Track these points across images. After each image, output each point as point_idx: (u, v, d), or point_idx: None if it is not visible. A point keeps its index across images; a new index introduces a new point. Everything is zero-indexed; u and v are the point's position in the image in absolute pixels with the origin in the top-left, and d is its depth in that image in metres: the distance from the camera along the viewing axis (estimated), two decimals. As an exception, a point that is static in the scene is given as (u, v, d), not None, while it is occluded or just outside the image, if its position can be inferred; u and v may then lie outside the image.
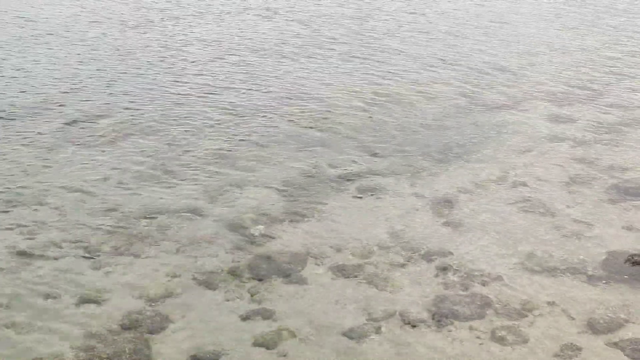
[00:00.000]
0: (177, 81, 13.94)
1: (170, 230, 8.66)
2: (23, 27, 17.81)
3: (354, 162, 10.62)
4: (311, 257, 8.22)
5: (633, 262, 8.12)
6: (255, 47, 16.54)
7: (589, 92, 13.81)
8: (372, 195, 9.68)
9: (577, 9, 21.11)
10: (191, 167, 10.31)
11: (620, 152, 11.08)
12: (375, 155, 10.86)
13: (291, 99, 13.14)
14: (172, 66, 14.92)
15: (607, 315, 7.24)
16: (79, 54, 15.60)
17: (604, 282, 7.80)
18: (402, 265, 8.08)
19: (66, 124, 11.68)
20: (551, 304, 7.40)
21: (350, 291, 7.62)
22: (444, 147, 11.13)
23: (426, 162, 10.63)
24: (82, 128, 11.55)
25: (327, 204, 9.42)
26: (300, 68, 15.01)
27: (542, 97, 13.50)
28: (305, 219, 9.04)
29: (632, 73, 15.00)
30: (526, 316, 7.22)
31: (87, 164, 10.31)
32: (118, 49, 16.04)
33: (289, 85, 13.90)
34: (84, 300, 7.31)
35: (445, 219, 9.09)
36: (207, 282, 7.70)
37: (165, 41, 16.83)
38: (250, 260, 8.13)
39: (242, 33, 17.82)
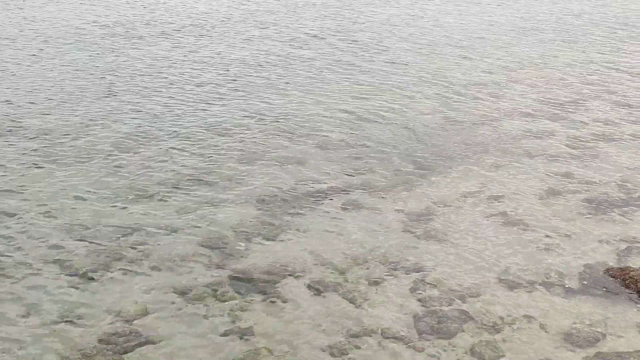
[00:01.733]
0: (150, 100, 13.88)
1: (147, 249, 8.59)
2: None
3: (332, 178, 10.62)
4: (289, 274, 8.19)
5: (610, 275, 8.18)
6: (228, 64, 16.53)
7: (564, 107, 13.95)
8: (349, 211, 9.68)
9: (553, 25, 21.35)
10: (167, 185, 10.25)
11: (595, 166, 11.19)
12: (352, 171, 10.88)
13: (266, 116, 13.13)
14: (144, 85, 14.86)
15: (584, 329, 7.28)
16: (51, 71, 15.49)
17: (580, 295, 7.85)
18: (380, 281, 8.07)
19: (32, 143, 11.54)
20: (528, 318, 7.43)
21: (328, 308, 7.59)
22: (420, 163, 11.17)
23: (403, 178, 10.66)
24: (51, 147, 11.40)
25: (304, 220, 9.41)
26: (274, 85, 15.02)
27: (518, 113, 13.62)
28: (283, 236, 9.02)
29: (607, 89, 15.17)
30: (504, 331, 7.24)
31: (61, 182, 10.21)
32: (98, 67, 15.96)
33: (262, 103, 13.90)
34: (60, 320, 7.22)
35: (423, 234, 9.11)
36: (185, 300, 7.64)
37: (136, 58, 16.78)
38: (228, 277, 8.08)
39: (216, 51, 17.81)
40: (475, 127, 12.79)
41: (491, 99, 14.38)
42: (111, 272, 8.09)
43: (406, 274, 8.21)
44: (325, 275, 8.18)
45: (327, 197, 10.02)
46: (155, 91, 14.36)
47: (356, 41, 18.98)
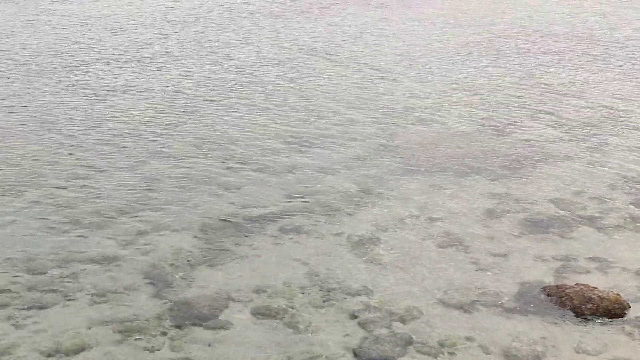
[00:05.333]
0: (89, 127, 13.69)
1: (84, 280, 8.44)
2: None
3: (273, 203, 10.62)
4: (231, 301, 8.15)
5: (547, 294, 8.35)
6: (168, 89, 16.44)
7: (501, 128, 14.24)
8: (291, 236, 9.69)
9: (488, 49, 21.82)
10: (104, 214, 10.09)
11: (532, 186, 11.44)
12: (293, 196, 10.89)
13: (207, 141, 13.08)
14: (84, 111, 14.66)
15: (524, 348, 7.41)
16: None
17: (519, 314, 7.99)
18: (323, 306, 8.09)
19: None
20: (469, 338, 7.53)
21: (272, 335, 7.57)
22: (360, 187, 11.26)
23: (344, 202, 10.72)
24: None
25: (246, 246, 9.38)
26: (215, 110, 14.98)
27: (455, 135, 13.84)
28: (225, 263, 8.98)
29: (542, 109, 15.54)
30: (445, 352, 7.32)
31: (-4, 213, 9.99)
32: (28, 92, 15.69)
33: (204, 127, 13.85)
34: (-6, 357, 7.04)
35: (364, 257, 9.17)
36: (125, 332, 7.52)
37: (75, 86, 16.56)
38: (169, 307, 7.99)
39: (158, 76, 17.70)
40: (413, 150, 12.95)
41: (428, 122, 14.58)
42: (46, 306, 7.92)
43: (348, 298, 8.25)
44: (268, 302, 8.16)
45: (268, 223, 10.01)
46: (91, 118, 14.16)
47: (290, 67, 19.06)
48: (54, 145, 12.68)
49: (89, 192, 10.79)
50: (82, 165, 11.77)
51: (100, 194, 10.76)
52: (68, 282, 8.40)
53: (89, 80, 17.16)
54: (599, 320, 7.87)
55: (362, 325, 7.76)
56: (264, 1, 28.96)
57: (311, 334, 7.62)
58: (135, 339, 7.43)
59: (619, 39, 23.15)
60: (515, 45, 22.45)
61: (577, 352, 7.38)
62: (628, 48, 21.88)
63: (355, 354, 7.27)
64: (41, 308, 7.88)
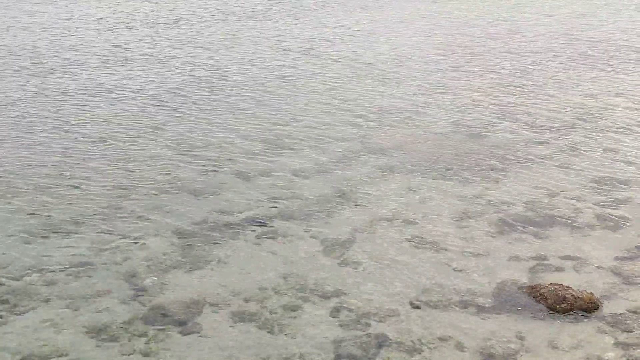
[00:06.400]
0: (63, 130, 13.61)
1: (58, 286, 8.38)
2: None
3: (249, 207, 10.60)
4: (207, 305, 8.12)
5: (521, 292, 8.40)
6: (144, 92, 16.37)
7: (476, 130, 14.32)
8: (267, 240, 9.68)
9: (465, 49, 21.96)
10: (78, 220, 10.02)
11: (506, 187, 11.50)
12: (268, 199, 10.89)
13: (183, 144, 13.04)
14: (58, 115, 14.55)
15: (500, 346, 7.45)
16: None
17: (494, 313, 8.04)
18: (299, 309, 8.09)
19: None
20: (445, 338, 7.56)
21: (247, 338, 7.56)
22: (336, 190, 11.28)
23: (319, 205, 10.73)
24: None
25: (222, 250, 9.36)
26: (188, 114, 14.94)
27: (430, 138, 13.91)
28: (201, 267, 8.94)
29: (517, 111, 15.66)
30: (422, 352, 7.34)
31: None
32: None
33: (180, 131, 13.81)
34: (-34, 365, 6.96)
35: (340, 259, 9.18)
36: (99, 338, 7.47)
37: (50, 89, 16.45)
38: (144, 312, 7.95)
39: (133, 80, 17.62)
40: (389, 152, 12.99)
41: (404, 124, 14.65)
42: (19, 313, 7.84)
43: (325, 301, 8.26)
44: (244, 306, 8.14)
45: (244, 227, 9.99)
46: (66, 121, 14.07)
47: (267, 69, 19.07)
48: (27, 150, 12.59)
49: (63, 197, 10.72)
50: (55, 170, 11.69)
51: (74, 198, 10.69)
52: (42, 287, 8.33)
53: (63, 83, 17.08)
54: (572, 318, 7.94)
55: (338, 326, 7.77)
56: (244, 3, 28.99)
57: (287, 336, 7.61)
58: (110, 345, 7.38)
59: (595, 40, 23.43)
60: (491, 45, 22.63)
61: (551, 349, 7.43)
62: (604, 49, 22.16)
63: (331, 355, 7.27)
64: (15, 314, 7.81)
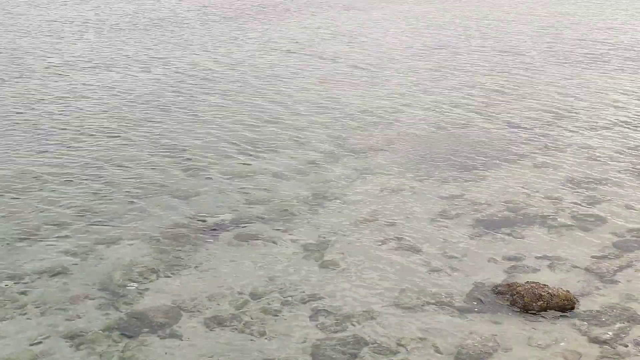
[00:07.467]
0: (40, 133, 13.54)
1: (36, 291, 8.34)
2: None
3: (227, 210, 10.61)
4: (185, 310, 8.11)
5: (498, 292, 8.46)
6: (121, 94, 16.33)
7: (454, 131, 14.41)
8: (246, 243, 9.68)
9: (445, 50, 22.07)
10: (54, 224, 9.98)
11: (483, 188, 11.58)
12: (247, 202, 10.90)
13: (161, 147, 13.03)
14: (35, 117, 14.48)
15: (475, 346, 7.50)
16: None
17: (471, 313, 8.09)
18: (278, 312, 8.10)
19: None
20: (422, 339, 7.61)
21: (227, 343, 7.55)
22: (315, 192, 11.31)
23: (298, 207, 10.75)
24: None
25: (201, 254, 9.36)
26: (170, 115, 14.93)
27: (408, 139, 13.97)
28: (179, 272, 8.93)
29: (495, 111, 15.77)
30: (399, 353, 7.38)
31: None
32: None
33: (158, 133, 13.80)
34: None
35: (319, 263, 9.20)
36: (76, 345, 7.44)
37: (26, 91, 16.38)
38: (121, 318, 7.93)
39: (115, 81, 17.57)
40: (369, 152, 13.05)
41: (382, 125, 14.71)
42: (-4, 319, 7.82)
43: (303, 304, 8.27)
44: (223, 310, 8.14)
45: (222, 230, 9.99)
46: (43, 124, 14.01)
47: (245, 70, 19.07)
48: (3, 153, 12.52)
49: (39, 201, 10.68)
50: (32, 173, 11.64)
51: (51, 202, 10.65)
52: (19, 293, 8.29)
53: (40, 85, 17.00)
54: (549, 316, 8.01)
55: (317, 329, 7.79)
56: (225, 3, 28.97)
57: (267, 340, 7.62)
58: (88, 350, 7.36)
59: (576, 39, 23.62)
60: (472, 45, 22.76)
61: (528, 347, 7.50)
62: (586, 48, 22.35)
63: (310, 358, 7.29)
64: (-10, 323, 7.77)
